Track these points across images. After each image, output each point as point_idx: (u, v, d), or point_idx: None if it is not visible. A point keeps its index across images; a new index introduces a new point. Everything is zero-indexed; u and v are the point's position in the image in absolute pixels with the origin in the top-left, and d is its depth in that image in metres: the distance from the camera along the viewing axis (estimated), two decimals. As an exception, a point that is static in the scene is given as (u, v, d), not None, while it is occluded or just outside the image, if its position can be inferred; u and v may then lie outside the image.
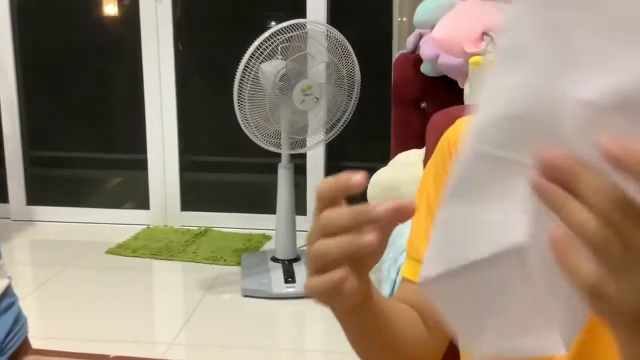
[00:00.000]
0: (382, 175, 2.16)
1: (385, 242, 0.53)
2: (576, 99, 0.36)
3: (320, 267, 0.50)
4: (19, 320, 0.85)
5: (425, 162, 1.10)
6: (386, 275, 1.91)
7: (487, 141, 0.42)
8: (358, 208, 0.50)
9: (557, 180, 0.37)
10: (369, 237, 0.49)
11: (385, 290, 1.88)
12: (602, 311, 0.39)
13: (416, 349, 0.71)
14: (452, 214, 0.46)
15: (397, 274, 1.70)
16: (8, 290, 0.85)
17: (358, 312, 0.59)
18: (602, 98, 0.35)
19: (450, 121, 0.89)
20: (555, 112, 0.37)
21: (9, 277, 0.86)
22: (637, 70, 0.34)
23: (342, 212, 0.50)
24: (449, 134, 0.76)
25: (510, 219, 0.42)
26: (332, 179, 0.51)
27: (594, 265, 0.37)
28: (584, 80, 0.36)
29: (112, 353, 2.01)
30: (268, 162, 2.74)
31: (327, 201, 0.51)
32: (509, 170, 0.41)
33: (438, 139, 1.01)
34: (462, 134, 0.74)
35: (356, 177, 0.50)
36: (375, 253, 0.51)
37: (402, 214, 0.50)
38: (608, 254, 0.36)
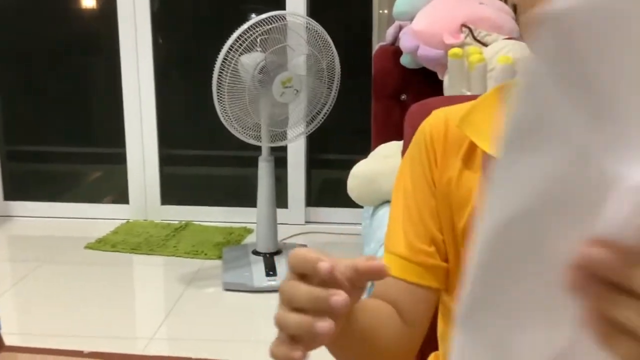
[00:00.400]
0: (362, 167, 2.16)
1: (358, 297, 0.53)
2: (626, 183, 0.29)
3: (282, 334, 0.50)
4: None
5: (403, 153, 1.09)
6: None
7: (501, 251, 0.34)
8: (317, 293, 0.48)
9: (603, 278, 0.31)
10: (325, 325, 0.47)
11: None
12: None
13: (392, 345, 0.71)
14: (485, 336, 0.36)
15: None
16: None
17: (332, 341, 0.56)
18: None
19: (428, 112, 0.88)
20: (592, 201, 0.30)
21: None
22: None
23: (303, 293, 0.49)
24: (425, 125, 0.76)
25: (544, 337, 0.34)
26: (304, 253, 0.50)
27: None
28: (635, 158, 0.29)
29: (90, 349, 1.99)
30: (249, 155, 2.73)
31: (296, 273, 0.50)
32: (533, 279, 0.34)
33: (415, 130, 1.01)
34: (437, 125, 0.74)
35: (324, 266, 0.48)
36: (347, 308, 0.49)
37: (374, 274, 0.49)
38: None
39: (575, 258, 0.31)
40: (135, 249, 2.86)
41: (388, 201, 2.02)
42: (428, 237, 0.73)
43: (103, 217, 3.22)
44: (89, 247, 2.88)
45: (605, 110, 0.29)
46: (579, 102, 0.29)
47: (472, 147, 0.70)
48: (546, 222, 0.32)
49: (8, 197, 3.32)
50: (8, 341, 1.91)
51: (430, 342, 0.88)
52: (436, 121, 0.75)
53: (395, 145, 2.12)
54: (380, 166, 2.08)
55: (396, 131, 2.30)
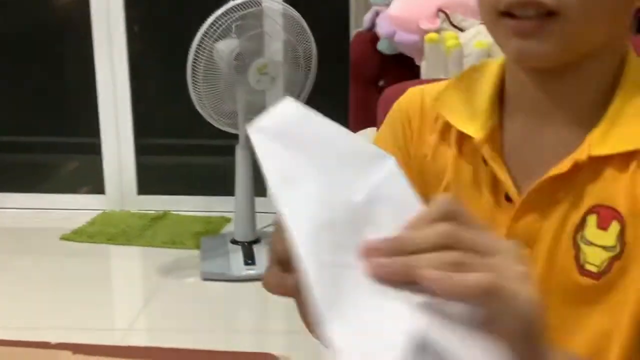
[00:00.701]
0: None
1: None
2: (352, 201, 0.45)
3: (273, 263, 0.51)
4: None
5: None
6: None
7: (319, 251, 0.43)
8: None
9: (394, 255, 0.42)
10: None
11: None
12: (500, 313, 0.41)
13: None
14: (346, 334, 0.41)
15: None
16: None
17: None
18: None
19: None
20: (346, 214, 0.45)
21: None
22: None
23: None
24: (401, 102, 0.76)
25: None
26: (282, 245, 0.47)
27: (472, 273, 0.40)
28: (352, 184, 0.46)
29: (66, 340, 1.96)
30: (226, 144, 2.70)
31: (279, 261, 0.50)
32: (349, 273, 0.43)
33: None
34: (414, 101, 0.74)
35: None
36: None
37: None
38: (470, 258, 0.41)
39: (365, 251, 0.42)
40: (112, 240, 2.83)
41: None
42: None
43: (79, 207, 3.17)
44: (65, 238, 2.84)
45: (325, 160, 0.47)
46: (305, 158, 0.47)
47: (448, 123, 0.71)
48: (337, 229, 0.44)
49: (-19, 188, 3.26)
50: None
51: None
52: (412, 97, 0.75)
53: (372, 132, 2.11)
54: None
55: (374, 117, 2.29)
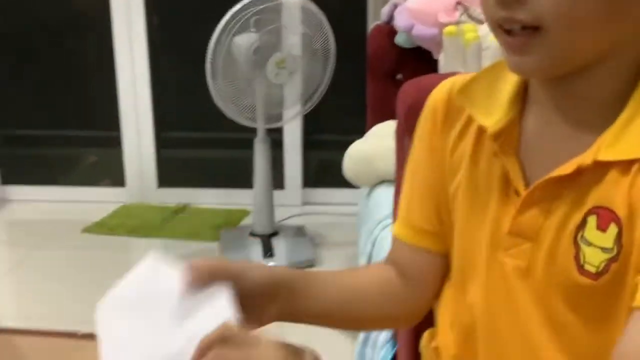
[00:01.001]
0: (357, 147, 2.15)
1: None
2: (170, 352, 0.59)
3: None
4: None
5: (398, 131, 1.09)
6: (362, 250, 1.92)
7: None
8: None
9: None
10: None
11: (362, 263, 1.89)
12: None
13: (385, 314, 0.80)
14: None
15: (373, 246, 1.70)
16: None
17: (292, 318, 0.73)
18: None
19: (421, 89, 0.88)
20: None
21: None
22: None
23: None
24: (431, 96, 0.77)
25: None
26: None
27: None
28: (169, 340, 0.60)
29: (86, 331, 1.99)
30: (245, 137, 2.72)
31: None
32: None
33: (408, 108, 1.00)
34: (441, 95, 0.75)
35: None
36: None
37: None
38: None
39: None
40: (133, 232, 2.86)
41: (384, 181, 2.01)
42: (432, 205, 0.77)
43: (100, 200, 3.22)
44: (86, 230, 2.88)
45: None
46: (140, 321, 0.62)
47: (470, 117, 0.72)
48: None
49: (5, 181, 3.31)
50: (4, 324, 1.91)
51: (426, 320, 0.89)
52: (442, 88, 0.76)
53: (391, 125, 2.11)
54: (375, 146, 2.07)
55: (392, 111, 2.29)
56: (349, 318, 0.80)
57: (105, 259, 2.64)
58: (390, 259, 0.82)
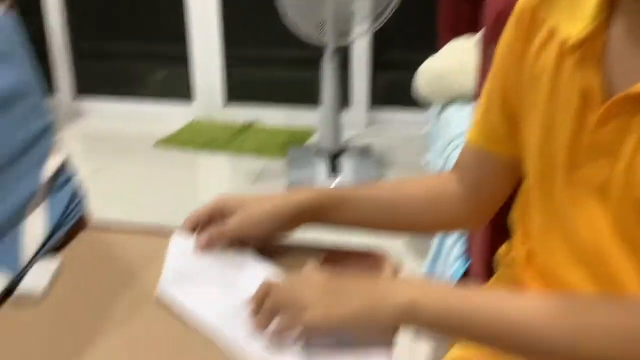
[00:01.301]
0: (432, 63, 2.10)
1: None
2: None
3: None
4: (75, 197, 0.87)
5: (485, 42, 1.05)
6: (432, 168, 1.90)
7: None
8: None
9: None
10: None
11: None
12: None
13: (432, 218, 0.84)
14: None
15: (444, 165, 1.68)
16: (64, 166, 0.86)
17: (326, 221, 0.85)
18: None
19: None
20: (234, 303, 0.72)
21: (65, 154, 0.87)
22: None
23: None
24: (524, 2, 0.73)
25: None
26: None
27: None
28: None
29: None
30: (312, 56, 2.69)
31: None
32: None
33: (496, 16, 0.96)
34: (529, 1, 0.72)
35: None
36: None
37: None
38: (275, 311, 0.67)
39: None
40: (202, 147, 2.92)
41: (456, 100, 1.97)
42: (508, 109, 0.77)
43: (170, 115, 3.28)
44: (157, 145, 2.95)
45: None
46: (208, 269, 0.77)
47: (553, 25, 0.69)
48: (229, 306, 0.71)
49: (78, 94, 3.41)
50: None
51: (499, 237, 0.88)
52: None
53: (466, 42, 2.04)
54: (450, 63, 2.02)
55: (465, 25, 2.21)
56: (392, 225, 0.84)
57: (175, 171, 2.71)
58: (457, 164, 0.85)
